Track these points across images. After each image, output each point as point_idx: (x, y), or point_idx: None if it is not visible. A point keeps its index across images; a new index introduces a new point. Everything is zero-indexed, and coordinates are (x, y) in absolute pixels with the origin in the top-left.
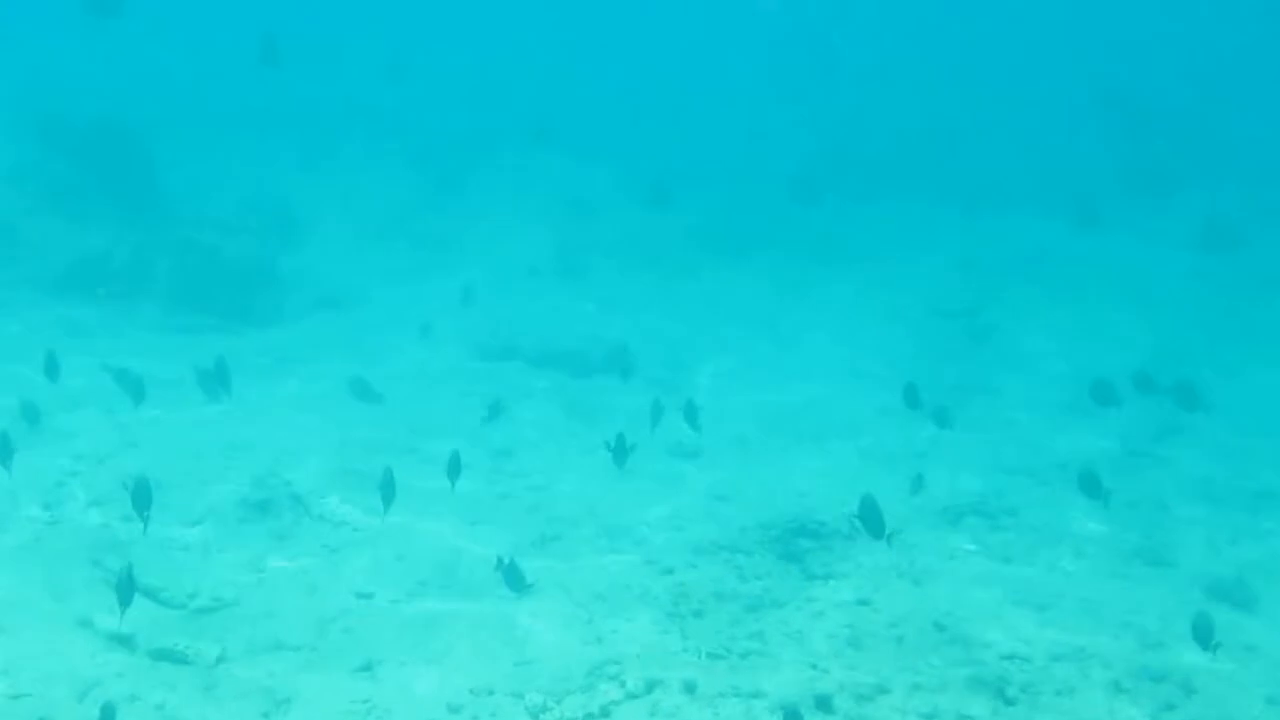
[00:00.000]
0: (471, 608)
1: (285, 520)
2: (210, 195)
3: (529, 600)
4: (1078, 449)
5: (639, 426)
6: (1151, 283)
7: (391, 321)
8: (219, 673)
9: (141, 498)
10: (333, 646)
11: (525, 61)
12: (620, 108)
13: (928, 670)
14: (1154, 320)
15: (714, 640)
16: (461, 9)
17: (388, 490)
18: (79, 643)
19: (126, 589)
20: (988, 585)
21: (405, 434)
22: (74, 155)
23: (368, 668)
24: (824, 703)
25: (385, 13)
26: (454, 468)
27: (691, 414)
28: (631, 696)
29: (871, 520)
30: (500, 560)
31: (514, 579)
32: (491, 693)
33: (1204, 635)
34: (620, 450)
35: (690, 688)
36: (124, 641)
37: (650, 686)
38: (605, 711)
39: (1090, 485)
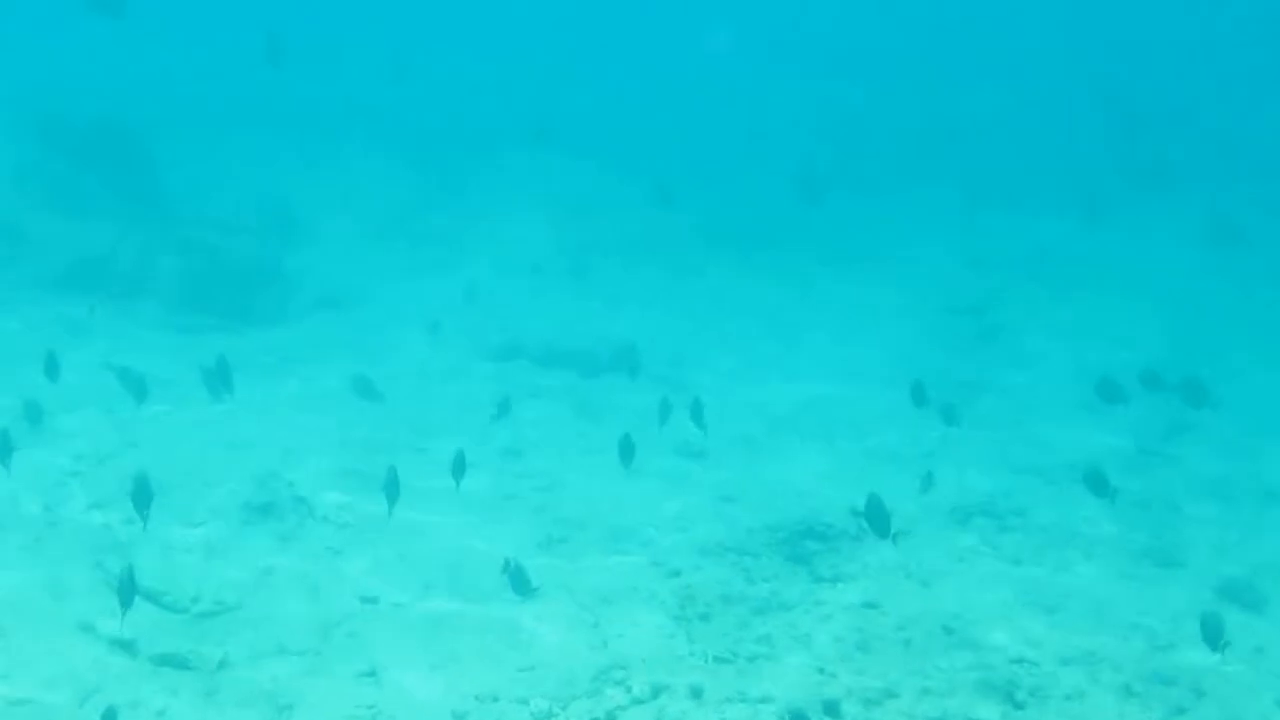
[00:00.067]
0: (476, 611)
1: (288, 522)
2: (212, 194)
3: (534, 603)
4: (1087, 448)
5: (646, 426)
6: (1158, 279)
7: (395, 321)
8: (221, 678)
9: (141, 496)
10: (336, 651)
11: (527, 60)
12: (623, 105)
13: (936, 674)
14: (1162, 317)
15: (721, 644)
16: (463, 8)
17: (392, 490)
18: (80, 647)
19: (127, 590)
20: (996, 587)
21: (410, 434)
22: (75, 154)
23: (372, 673)
24: (831, 708)
25: (387, 12)
26: (459, 467)
27: (697, 412)
28: (638, 702)
29: (877, 519)
30: (507, 563)
31: (520, 582)
32: (496, 699)
33: (1213, 635)
34: (627, 450)
35: (697, 693)
36: (125, 646)
37: (656, 691)
38: (611, 717)
39: (1097, 484)
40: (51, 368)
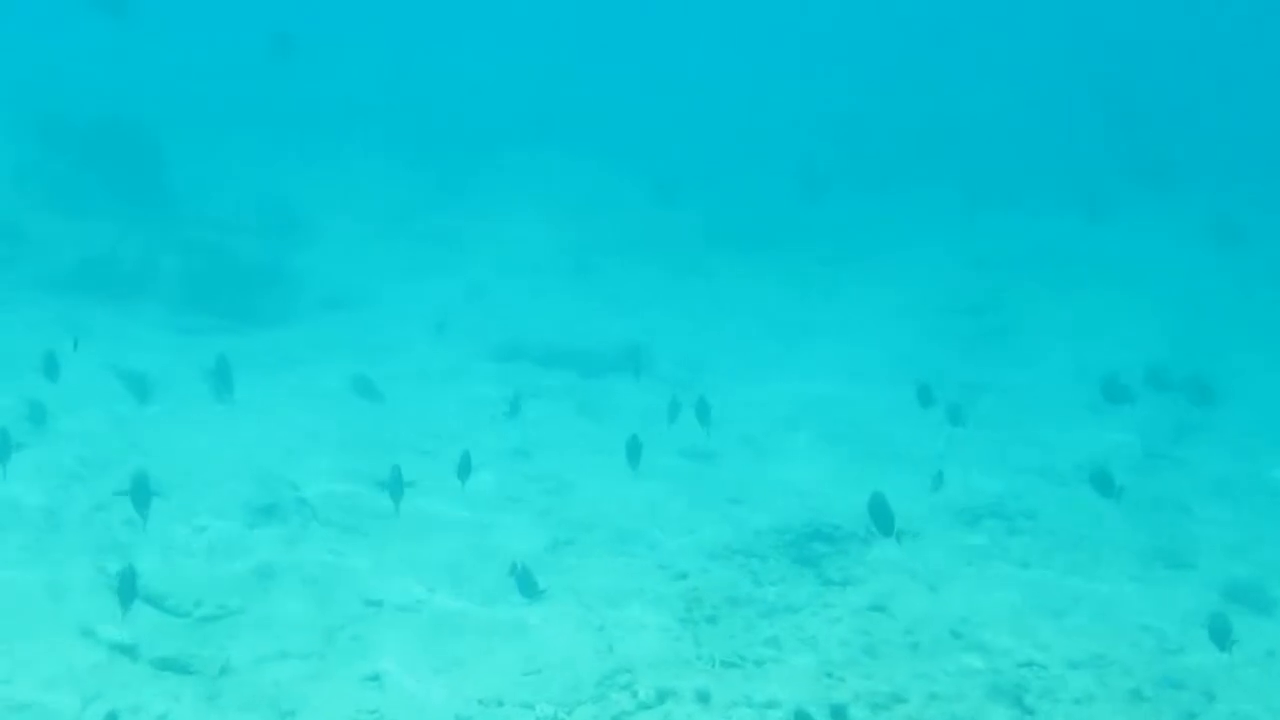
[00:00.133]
0: (482, 615)
1: (292, 524)
2: (214, 194)
3: (540, 606)
4: (1094, 449)
5: (651, 426)
6: (1161, 278)
7: (399, 321)
8: (224, 682)
9: (140, 494)
10: (340, 654)
11: (529, 60)
12: (625, 104)
13: (944, 678)
14: (1165, 316)
15: (727, 647)
16: (465, 7)
17: (396, 490)
18: (81, 651)
19: (128, 589)
20: (1005, 589)
21: (414, 435)
22: (76, 154)
23: (375, 677)
24: (839, 713)
25: (388, 11)
26: (464, 468)
27: (703, 411)
28: (644, 707)
29: (881, 518)
30: (514, 565)
31: (526, 585)
32: (501, 703)
33: (1220, 636)
34: (634, 451)
35: (704, 697)
36: (127, 650)
37: (663, 696)
38: None
39: (1103, 483)
40: (51, 368)
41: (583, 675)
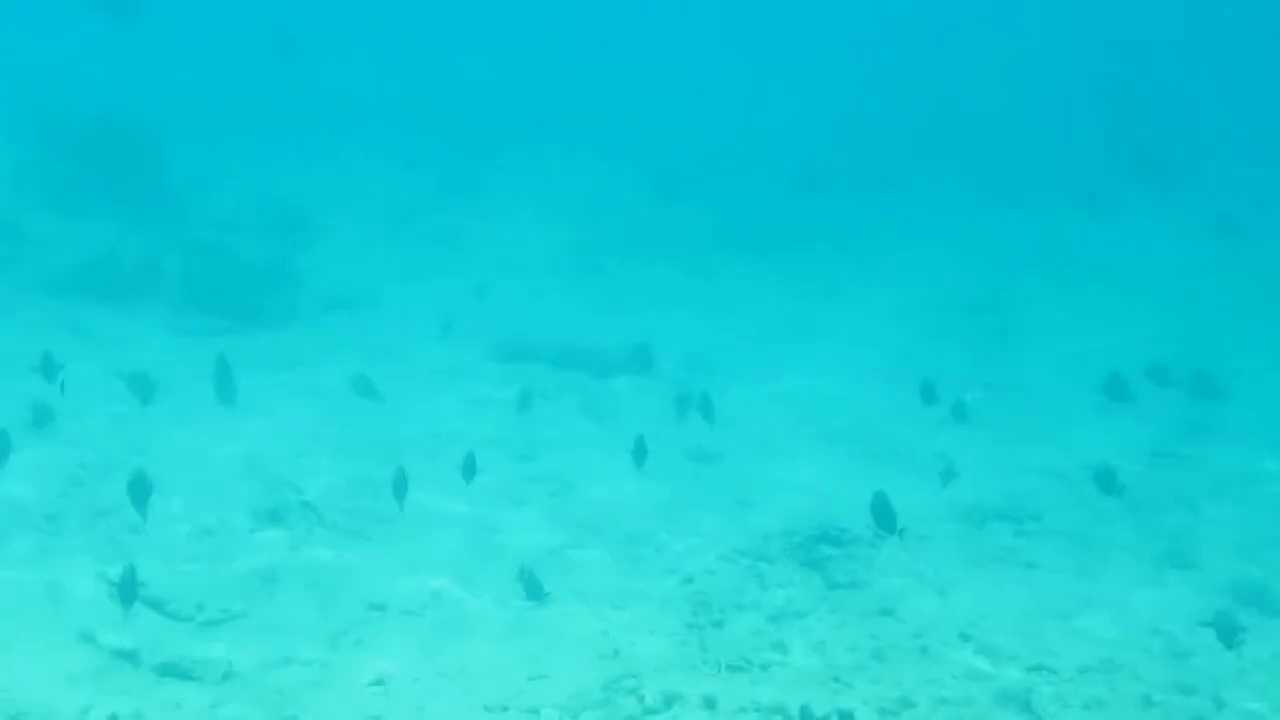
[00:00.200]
0: (486, 618)
1: (295, 527)
2: (216, 194)
3: (546, 610)
4: (1102, 449)
5: (659, 427)
6: (1167, 274)
7: (402, 321)
8: (226, 689)
9: (140, 493)
10: (344, 660)
11: (530, 58)
12: (626, 103)
13: (952, 683)
14: (1172, 313)
15: (734, 652)
16: (466, 6)
17: (400, 490)
18: (81, 658)
19: (129, 589)
20: (1013, 592)
21: (419, 436)
22: (77, 154)
23: (380, 683)
24: (847, 718)
25: (389, 11)
26: (469, 467)
27: (707, 408)
28: (650, 712)
29: (883, 516)
30: (522, 569)
31: (533, 588)
32: (506, 709)
33: (1227, 635)
34: (640, 452)
35: (710, 702)
36: (128, 656)
37: (669, 701)
38: None
39: (1105, 481)
40: (49, 369)
41: (588, 680)
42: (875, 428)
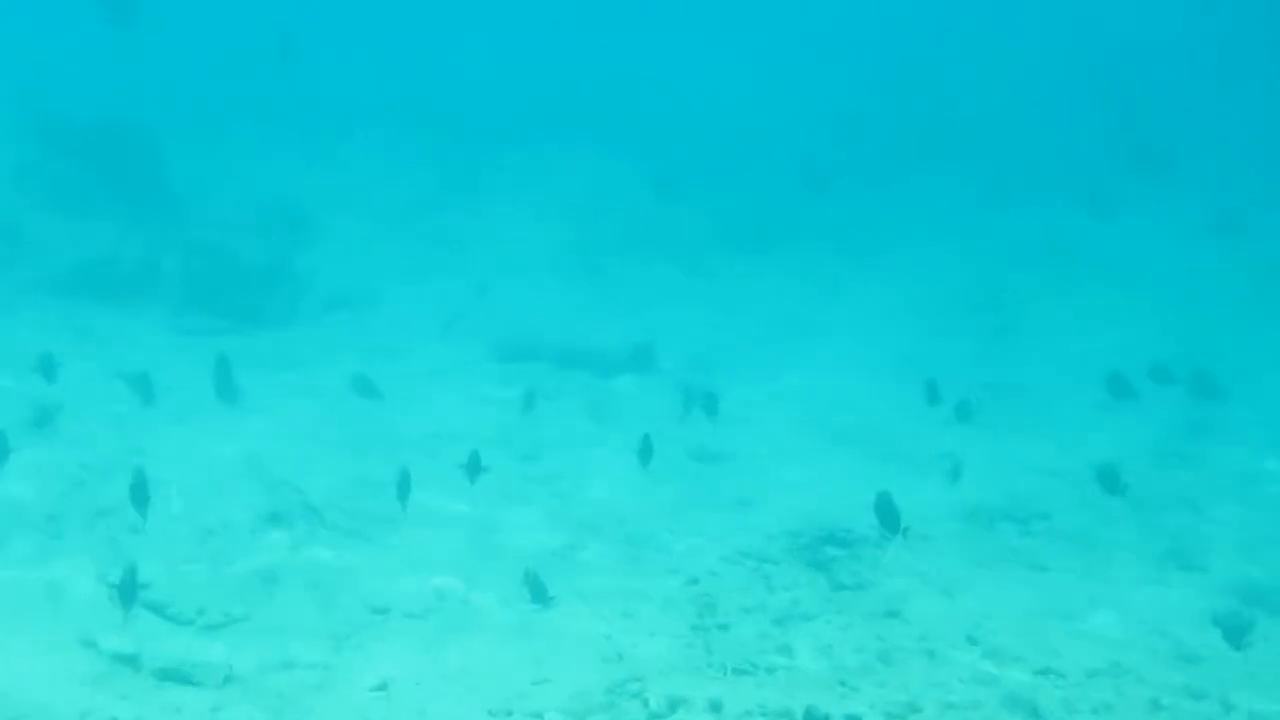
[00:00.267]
0: (490, 621)
1: (297, 529)
2: (216, 194)
3: (549, 613)
4: (1107, 448)
5: (661, 427)
6: (1167, 273)
7: (404, 321)
8: (227, 693)
9: (140, 493)
10: (346, 664)
11: (531, 58)
12: (627, 101)
13: (959, 687)
14: (1174, 312)
15: (740, 655)
16: (467, 5)
17: (403, 491)
18: (80, 662)
19: (129, 590)
20: (1020, 594)
21: (421, 437)
22: (77, 155)
23: (383, 687)
24: None
25: (391, 10)
26: (473, 466)
27: (711, 406)
28: (655, 716)
29: (886, 515)
30: (527, 572)
31: (537, 590)
32: (510, 713)
33: (1234, 634)
34: (645, 451)
35: (716, 706)
36: (129, 660)
37: (674, 705)
38: None
39: (1108, 479)
40: (48, 370)
41: (593, 683)
42: (879, 427)
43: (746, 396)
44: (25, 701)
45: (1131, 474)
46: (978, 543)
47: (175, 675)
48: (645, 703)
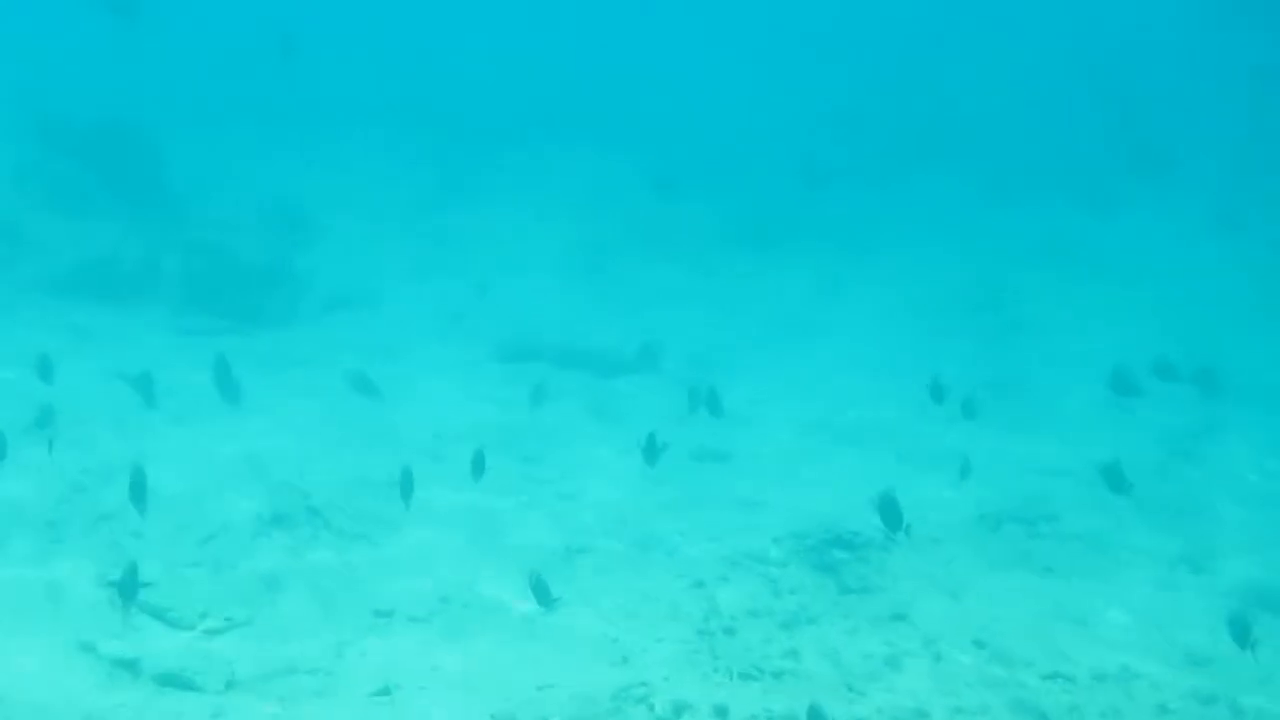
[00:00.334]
0: (494, 625)
1: (301, 533)
2: (216, 194)
3: (554, 617)
4: (1111, 447)
5: (665, 427)
6: (1172, 270)
7: (405, 321)
8: (228, 699)
9: (138, 488)
10: (349, 669)
11: (531, 57)
12: (627, 100)
13: (967, 692)
14: (1178, 310)
15: (746, 660)
16: (468, 3)
17: (407, 490)
18: (80, 668)
19: (129, 587)
20: (1028, 597)
21: (424, 438)
22: (77, 154)
23: (385, 692)
24: None
25: (391, 9)
26: (478, 465)
27: (714, 403)
28: None
29: (889, 514)
30: (531, 574)
31: (542, 594)
32: (514, 718)
33: (1241, 634)
34: (651, 450)
35: (722, 712)
36: (129, 666)
37: (679, 710)
38: None
39: (1114, 478)
40: (45, 370)
41: (598, 688)
42: (883, 427)
43: (749, 396)
44: (23, 711)
45: (1137, 474)
46: (984, 544)
47: (176, 680)
48: (651, 707)
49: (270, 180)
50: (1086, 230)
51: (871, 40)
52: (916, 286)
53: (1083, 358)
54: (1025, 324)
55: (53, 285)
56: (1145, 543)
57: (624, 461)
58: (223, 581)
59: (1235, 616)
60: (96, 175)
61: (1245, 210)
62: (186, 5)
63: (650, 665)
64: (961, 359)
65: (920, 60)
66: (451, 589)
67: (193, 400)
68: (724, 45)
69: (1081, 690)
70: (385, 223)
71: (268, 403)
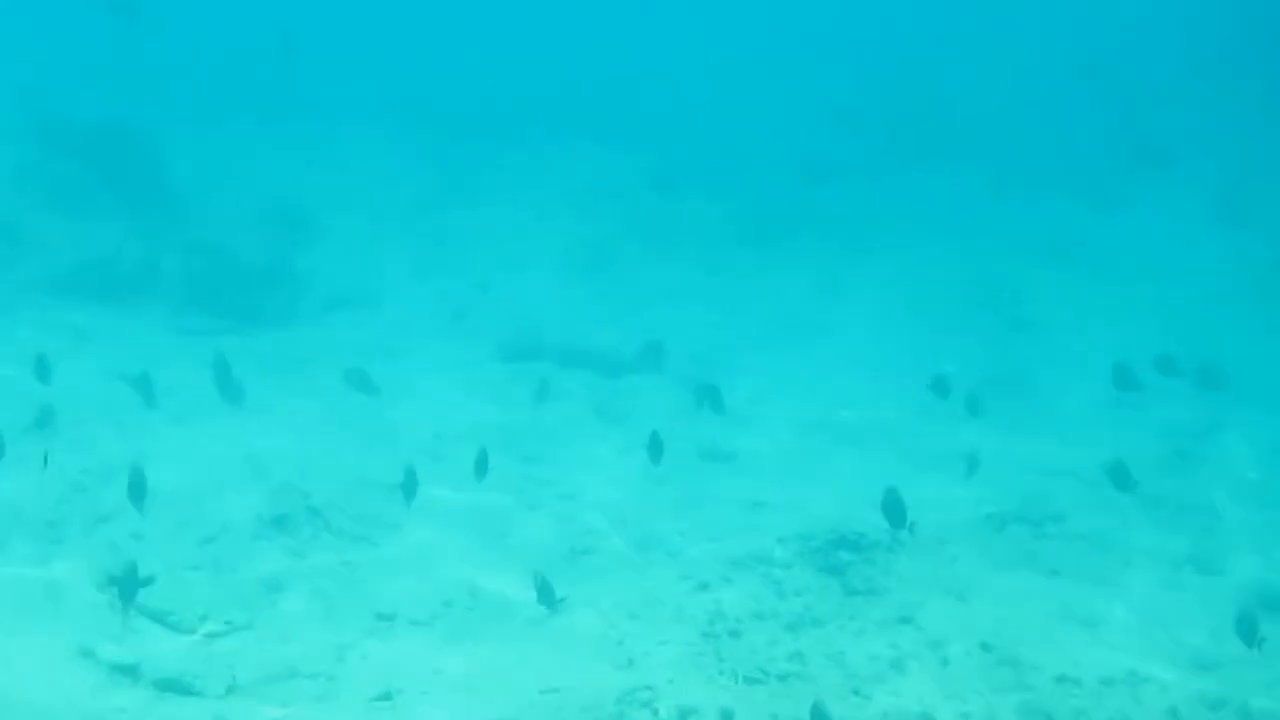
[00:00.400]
0: (497, 630)
1: (302, 535)
2: (217, 194)
3: (558, 620)
4: (1118, 446)
5: (670, 427)
6: (1177, 267)
7: (406, 320)
8: (228, 705)
9: (136, 488)
10: (350, 674)
11: (532, 56)
12: (629, 97)
13: (974, 696)
14: (1185, 307)
15: (751, 663)
16: (467, 4)
17: (409, 490)
18: (79, 674)
19: (129, 587)
20: (1035, 600)
21: (426, 439)
22: (77, 154)
23: (387, 697)
24: None
25: (393, 8)
26: (481, 465)
27: (717, 401)
28: None
29: (893, 512)
30: (536, 576)
31: (546, 595)
32: None
33: (1248, 634)
34: (656, 449)
35: (727, 715)
36: (128, 671)
37: (685, 715)
38: None
39: (1120, 477)
40: (42, 370)
41: (602, 692)
42: (887, 426)
43: (751, 395)
44: (23, 712)
45: (1143, 472)
46: (990, 545)
47: (176, 686)
48: (655, 712)
49: (271, 180)
50: (1087, 228)
51: (872, 38)
52: (917, 284)
53: (1084, 355)
54: (1026, 322)
55: (52, 285)
56: (1151, 543)
57: (627, 461)
58: (223, 584)
59: (1243, 615)
60: (96, 175)
61: (1246, 207)
62: (186, 4)
63: (655, 668)
64: (963, 357)
65: (921, 58)
66: (453, 591)
67: (193, 400)
68: (724, 43)
69: (1089, 695)
70: (386, 222)
71: (268, 403)
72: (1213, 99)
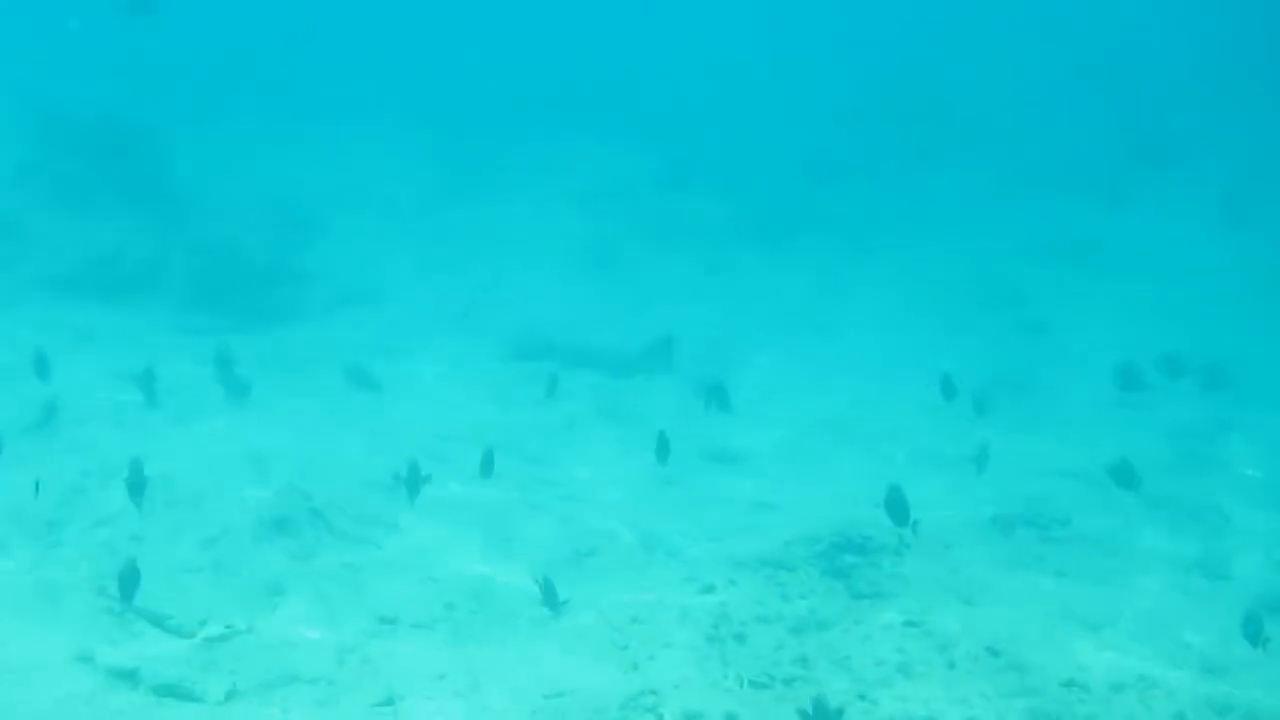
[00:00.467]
0: (501, 633)
1: (304, 537)
2: (221, 192)
3: (561, 622)
4: (1124, 448)
5: (675, 425)
6: (1182, 267)
7: (411, 319)
8: (228, 710)
9: (135, 485)
10: (352, 679)
11: (537, 54)
12: (636, 94)
13: (981, 701)
14: (1192, 307)
15: (756, 667)
16: (472, 1)
17: (413, 486)
18: (78, 679)
19: (130, 582)
20: (1041, 603)
21: (430, 439)
22: (80, 152)
23: (389, 702)
24: None
25: (395, 6)
26: (487, 465)
27: (723, 401)
28: None
29: (896, 510)
30: (540, 578)
31: (550, 598)
32: None
33: (1254, 634)
34: (662, 448)
35: None
36: (126, 675)
37: (690, 719)
38: None
39: (1124, 477)
40: (41, 368)
41: (607, 697)
42: (892, 426)
43: (756, 394)
44: (22, 716)
45: (1148, 473)
46: (997, 548)
47: (175, 691)
48: (660, 717)
49: (274, 179)
50: (1091, 228)
51: (877, 36)
52: (920, 284)
53: (1090, 355)
54: (1029, 322)
55: (55, 284)
56: (1157, 545)
57: (632, 461)
58: (224, 587)
59: (1249, 616)
60: (99, 173)
61: (1250, 207)
62: (187, 3)
63: (659, 672)
64: (968, 357)
65: (924, 58)
66: (456, 594)
67: (195, 399)
68: (728, 43)
69: (1098, 700)
70: (390, 220)
71: (271, 401)
72: (1216, 99)
